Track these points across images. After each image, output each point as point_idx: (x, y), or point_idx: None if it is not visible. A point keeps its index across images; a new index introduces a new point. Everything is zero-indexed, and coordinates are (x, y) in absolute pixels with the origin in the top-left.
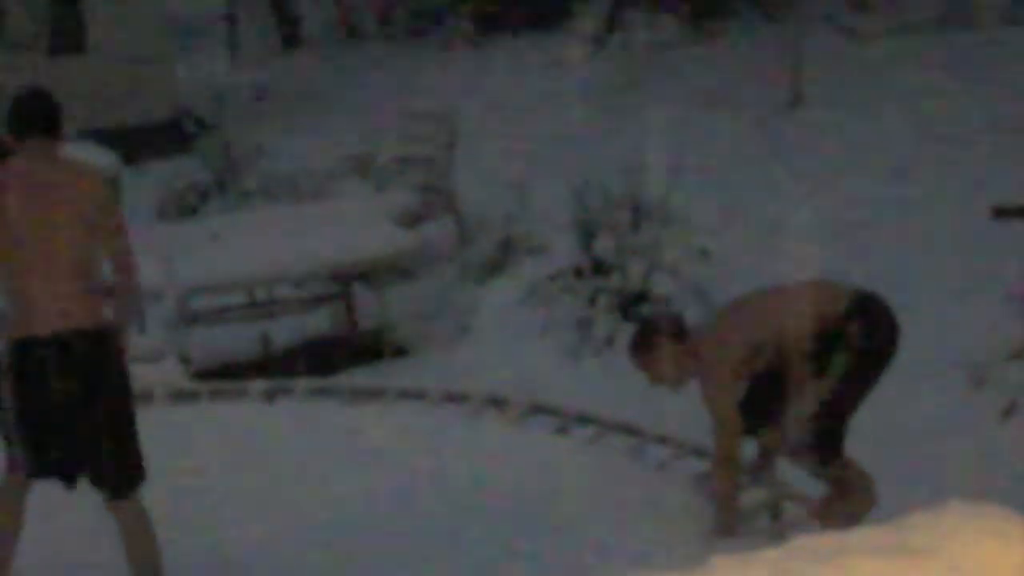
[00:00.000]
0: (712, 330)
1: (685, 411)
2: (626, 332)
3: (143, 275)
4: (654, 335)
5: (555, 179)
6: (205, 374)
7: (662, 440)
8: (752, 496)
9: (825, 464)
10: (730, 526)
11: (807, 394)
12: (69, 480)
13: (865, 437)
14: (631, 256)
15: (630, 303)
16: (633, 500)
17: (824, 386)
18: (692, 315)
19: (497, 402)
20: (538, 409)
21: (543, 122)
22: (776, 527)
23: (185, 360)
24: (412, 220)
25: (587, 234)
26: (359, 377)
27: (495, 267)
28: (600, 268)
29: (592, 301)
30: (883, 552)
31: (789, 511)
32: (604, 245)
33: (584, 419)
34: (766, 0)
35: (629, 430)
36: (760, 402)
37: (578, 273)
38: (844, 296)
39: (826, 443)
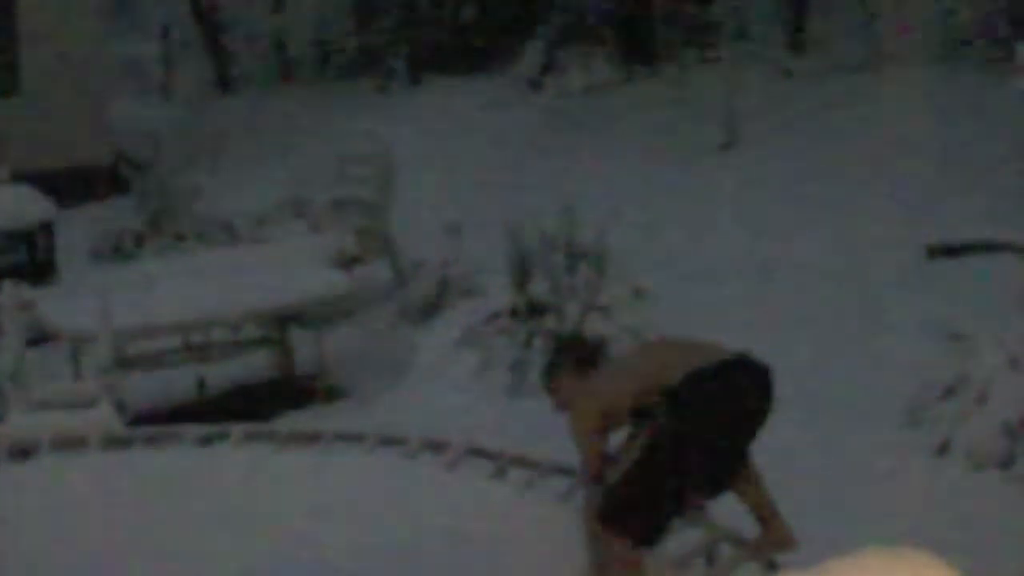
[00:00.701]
0: (596, 375)
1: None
2: None
3: (80, 319)
4: (562, 359)
5: (491, 221)
6: (140, 419)
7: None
8: (686, 539)
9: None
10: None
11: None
12: None
13: (798, 475)
14: (567, 297)
15: None
16: (569, 544)
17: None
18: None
19: (434, 445)
20: (475, 452)
21: (479, 164)
22: (711, 572)
23: (120, 406)
24: (348, 262)
25: (523, 276)
26: (296, 420)
27: (431, 309)
28: (536, 309)
29: (528, 342)
30: None
31: (725, 554)
32: (539, 287)
33: (521, 462)
34: (701, 41)
35: (566, 472)
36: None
37: (514, 314)
38: (686, 369)
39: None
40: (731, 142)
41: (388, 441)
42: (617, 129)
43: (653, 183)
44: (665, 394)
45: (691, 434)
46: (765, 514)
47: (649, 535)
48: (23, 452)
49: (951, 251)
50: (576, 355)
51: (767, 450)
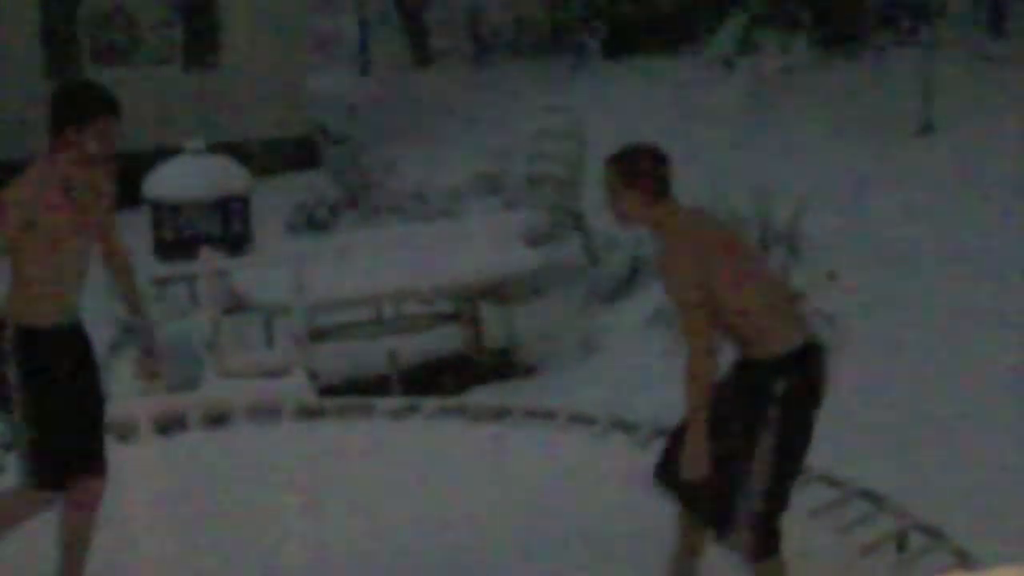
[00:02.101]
0: (686, 222)
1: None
2: None
3: (275, 289)
4: (640, 174)
5: (684, 200)
6: (331, 390)
7: None
8: (877, 526)
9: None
10: (700, 454)
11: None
12: None
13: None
14: None
15: None
16: None
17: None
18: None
19: (623, 424)
20: (664, 433)
21: (672, 143)
22: (902, 559)
23: (312, 376)
24: (541, 239)
25: None
26: (485, 396)
27: (622, 288)
28: None
29: None
30: None
31: (916, 542)
32: None
33: None
34: (899, 25)
35: None
36: None
37: None
38: (793, 334)
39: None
40: (928, 127)
41: (578, 419)
42: (813, 111)
43: (849, 166)
44: (787, 365)
45: (803, 428)
46: None
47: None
48: (218, 419)
49: None
50: (646, 180)
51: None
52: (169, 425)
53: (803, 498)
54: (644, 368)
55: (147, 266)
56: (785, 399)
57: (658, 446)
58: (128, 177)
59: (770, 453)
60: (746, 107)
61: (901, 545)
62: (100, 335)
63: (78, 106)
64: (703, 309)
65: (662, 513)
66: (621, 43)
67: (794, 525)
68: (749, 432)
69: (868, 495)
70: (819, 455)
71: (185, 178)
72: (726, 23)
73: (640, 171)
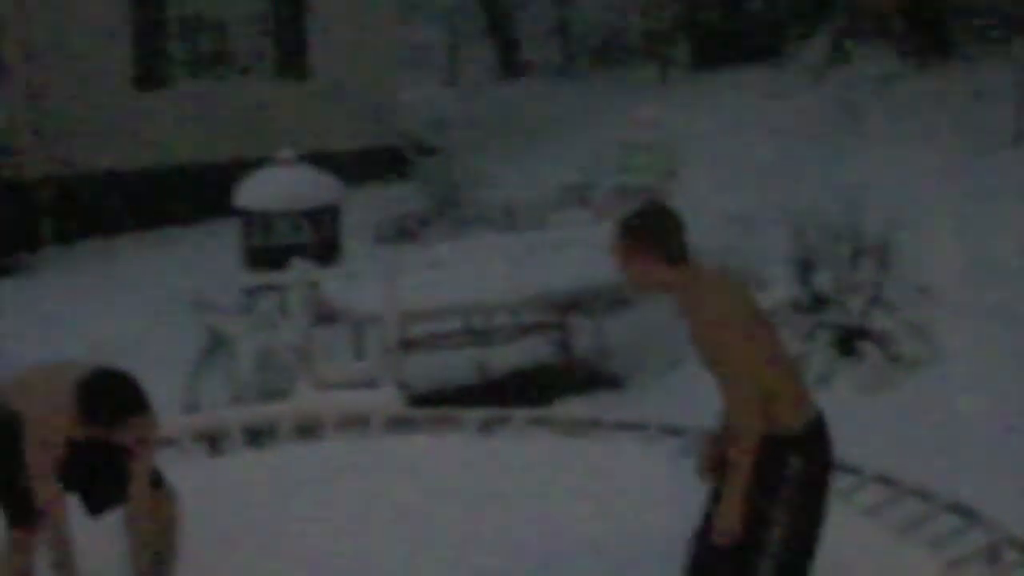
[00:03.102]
0: (721, 283)
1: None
2: (844, 369)
3: (365, 299)
4: (639, 239)
5: (774, 211)
6: (421, 400)
7: (881, 480)
8: (967, 541)
9: None
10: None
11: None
12: None
13: None
14: (850, 291)
15: (848, 339)
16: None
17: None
18: (910, 352)
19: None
20: None
21: (762, 154)
22: (993, 573)
23: (402, 386)
24: None
25: (806, 268)
26: (575, 407)
27: None
28: (819, 303)
29: (810, 336)
30: None
31: (1008, 556)
32: (823, 279)
33: None
34: (992, 35)
35: (844, 467)
36: None
37: (796, 307)
38: (807, 409)
39: None
40: (1021, 136)
41: (669, 431)
42: (904, 120)
43: (941, 176)
44: (802, 440)
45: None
46: None
47: None
48: (309, 429)
49: None
50: (651, 246)
51: None
52: (260, 435)
53: (892, 512)
54: None
55: (237, 276)
56: (799, 478)
57: None
58: (218, 186)
59: (781, 536)
60: (836, 118)
61: (992, 560)
62: (189, 343)
63: (122, 404)
64: (753, 379)
65: None
66: (710, 53)
67: (883, 540)
68: (761, 513)
69: (958, 508)
70: (909, 468)
71: (275, 188)
72: (816, 34)
73: (661, 233)
